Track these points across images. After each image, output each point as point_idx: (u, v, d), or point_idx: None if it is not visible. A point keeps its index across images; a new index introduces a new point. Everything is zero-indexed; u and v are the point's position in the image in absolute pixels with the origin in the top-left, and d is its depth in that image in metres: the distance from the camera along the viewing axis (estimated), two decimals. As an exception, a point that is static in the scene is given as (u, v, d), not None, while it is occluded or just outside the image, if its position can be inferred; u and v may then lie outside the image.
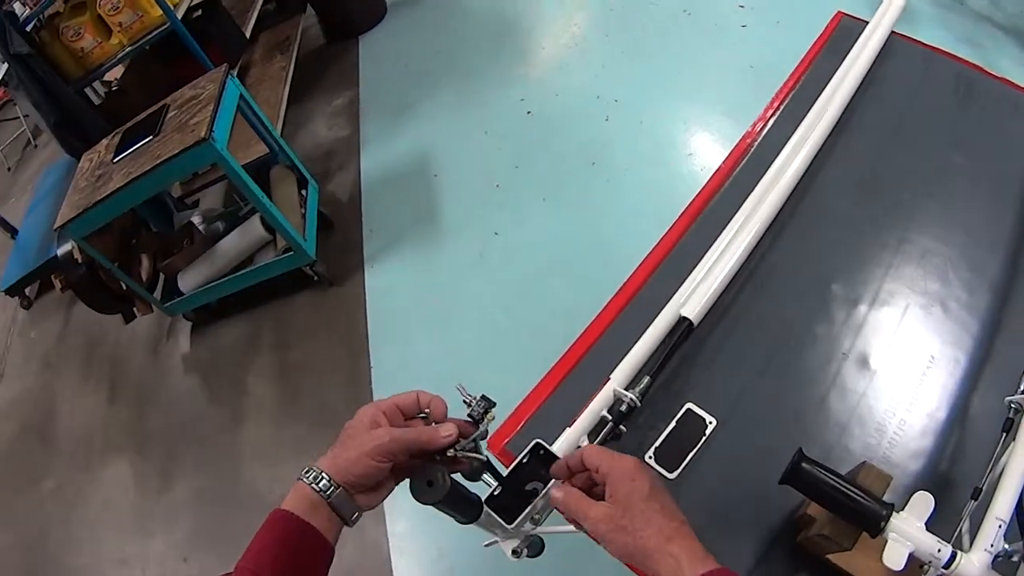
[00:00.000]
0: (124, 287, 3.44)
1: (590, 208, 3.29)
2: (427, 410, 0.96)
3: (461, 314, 3.13)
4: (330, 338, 3.34)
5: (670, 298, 1.36)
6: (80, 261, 3.25)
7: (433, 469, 0.91)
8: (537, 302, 2.99)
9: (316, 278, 3.48)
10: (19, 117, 7.06)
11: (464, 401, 0.97)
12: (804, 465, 0.96)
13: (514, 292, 3.08)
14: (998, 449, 1.01)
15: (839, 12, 1.98)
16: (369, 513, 0.93)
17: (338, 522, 0.89)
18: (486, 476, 0.96)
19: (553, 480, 0.93)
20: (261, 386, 3.34)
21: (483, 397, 0.97)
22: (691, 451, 1.20)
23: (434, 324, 3.15)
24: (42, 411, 4.01)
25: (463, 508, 0.94)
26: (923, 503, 0.92)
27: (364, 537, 2.59)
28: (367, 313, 3.32)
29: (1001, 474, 0.95)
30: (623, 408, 1.19)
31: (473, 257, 3.32)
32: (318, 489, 0.87)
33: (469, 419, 0.96)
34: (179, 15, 3.63)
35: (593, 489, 0.90)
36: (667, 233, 1.57)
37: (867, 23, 1.86)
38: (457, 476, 0.94)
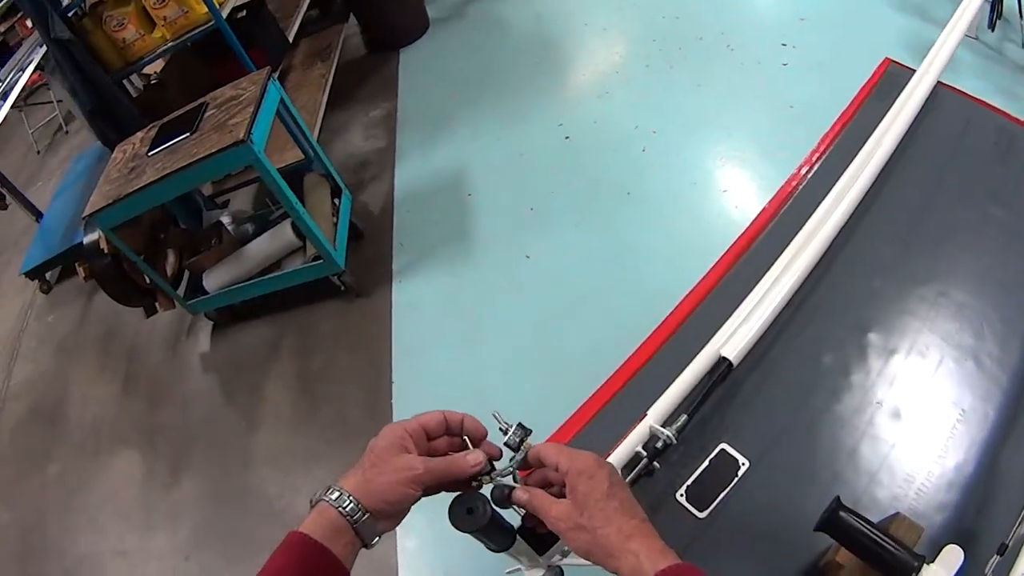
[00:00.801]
0: (148, 281, 3.43)
1: (622, 238, 3.27)
2: (466, 436, 0.96)
3: (487, 335, 3.11)
4: (353, 350, 3.32)
5: (710, 337, 1.38)
6: (106, 251, 3.24)
7: (473, 497, 0.90)
8: (565, 329, 2.96)
9: (343, 288, 3.46)
10: (52, 102, 7.11)
11: (500, 429, 0.96)
12: (841, 513, 0.98)
13: (542, 317, 3.05)
14: None
15: (887, 59, 2.01)
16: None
17: (357, 547, 0.86)
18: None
19: (503, 470, 0.94)
20: (279, 392, 3.32)
21: (520, 425, 0.96)
22: (722, 491, 1.21)
23: (459, 343, 3.13)
24: (53, 396, 4.01)
25: (497, 537, 0.94)
26: (953, 556, 0.93)
27: (374, 552, 2.55)
28: (392, 327, 3.30)
29: None
30: (658, 445, 1.20)
31: (503, 279, 3.30)
32: (345, 513, 0.83)
33: (506, 446, 0.95)
34: (224, 14, 3.62)
35: (549, 488, 0.92)
36: (709, 272, 1.59)
37: (914, 71, 1.88)
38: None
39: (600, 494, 0.84)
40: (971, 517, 1.12)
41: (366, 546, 0.87)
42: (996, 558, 0.95)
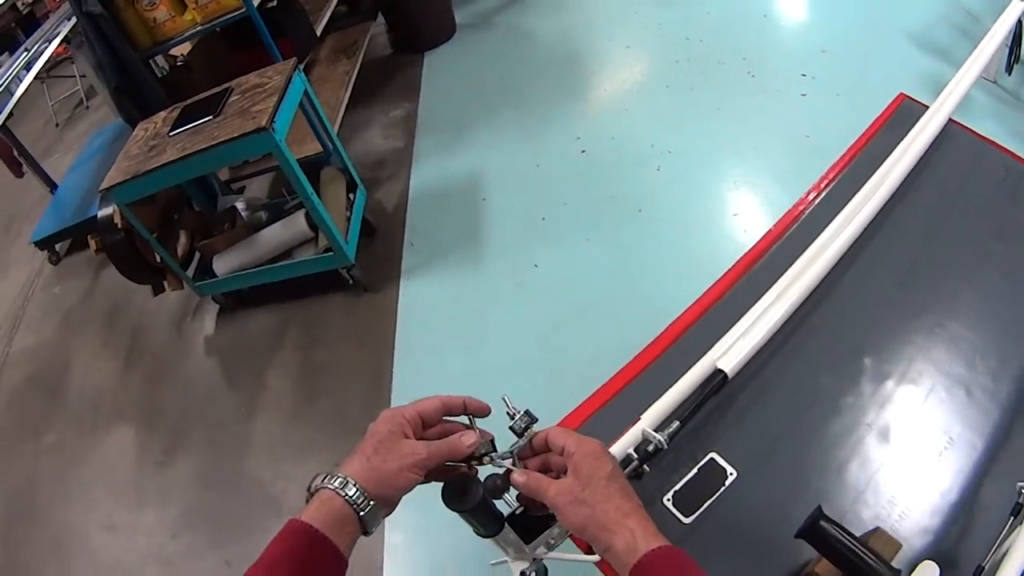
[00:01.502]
0: (158, 259, 3.45)
1: (631, 253, 3.29)
2: (470, 415, 0.97)
3: (491, 339, 3.13)
4: (356, 344, 3.34)
5: (708, 349, 1.40)
6: (119, 226, 3.26)
7: (468, 479, 0.93)
8: (568, 338, 2.98)
9: (351, 282, 3.48)
10: (75, 76, 7.15)
11: (507, 413, 0.98)
12: (822, 522, 1.00)
13: (547, 325, 3.07)
14: (1005, 530, 1.04)
15: (901, 94, 2.02)
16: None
17: (357, 536, 0.85)
18: (508, 495, 0.97)
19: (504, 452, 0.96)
20: (280, 381, 3.34)
21: (527, 412, 0.97)
22: (708, 499, 1.23)
23: (462, 345, 3.15)
24: (55, 366, 4.04)
25: (486, 521, 0.96)
26: (928, 572, 0.96)
27: (358, 547, 2.57)
28: (397, 324, 3.32)
29: (1005, 555, 0.97)
30: (650, 448, 1.21)
31: (511, 285, 3.32)
32: (351, 501, 0.83)
33: (511, 430, 0.97)
34: (255, 2, 3.65)
35: (548, 473, 0.93)
36: (712, 287, 1.61)
37: (927, 107, 1.90)
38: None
39: (604, 474, 0.86)
40: (951, 540, 1.14)
41: (366, 533, 0.86)
42: (974, 581, 0.97)
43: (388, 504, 0.88)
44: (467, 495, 0.91)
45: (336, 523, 0.82)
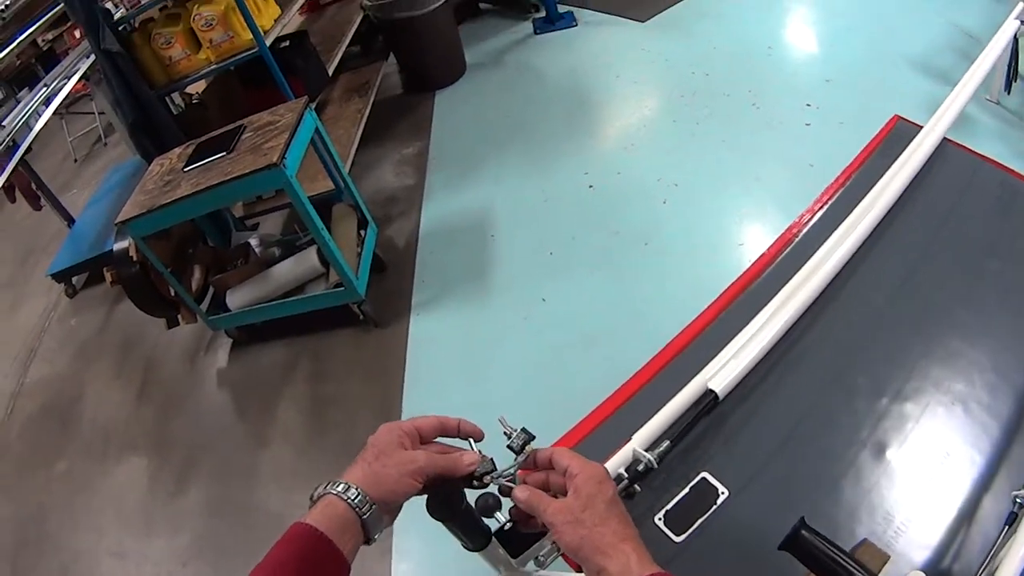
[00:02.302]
0: (173, 293, 3.50)
1: (638, 287, 3.31)
2: (470, 437, 0.99)
3: (498, 373, 3.15)
4: (366, 378, 3.36)
5: (700, 370, 1.41)
6: (135, 259, 3.32)
7: (453, 490, 0.94)
8: (575, 371, 3.00)
9: (362, 317, 3.52)
10: (94, 113, 7.26)
11: (504, 432, 0.99)
12: (804, 533, 0.99)
13: (553, 359, 3.09)
14: (999, 540, 1.04)
15: (895, 116, 2.05)
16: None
17: (360, 542, 0.87)
18: (498, 514, 0.98)
19: (504, 471, 0.96)
20: (290, 414, 3.37)
21: (523, 430, 0.98)
22: (700, 518, 1.24)
23: (470, 379, 3.17)
24: (68, 396, 4.09)
25: (472, 534, 0.98)
26: None
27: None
28: (407, 359, 3.34)
29: (1000, 565, 0.98)
30: (640, 468, 1.23)
31: (518, 319, 3.34)
32: (354, 505, 0.85)
33: (509, 449, 0.98)
34: (268, 42, 3.71)
35: (547, 491, 0.93)
36: (706, 309, 1.64)
37: (921, 128, 1.91)
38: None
39: (604, 499, 0.87)
40: (946, 552, 1.14)
41: (368, 541, 0.88)
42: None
43: (389, 511, 0.90)
44: (451, 506, 0.93)
45: (339, 527, 0.83)
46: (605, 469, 0.92)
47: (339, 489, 0.86)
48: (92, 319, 4.65)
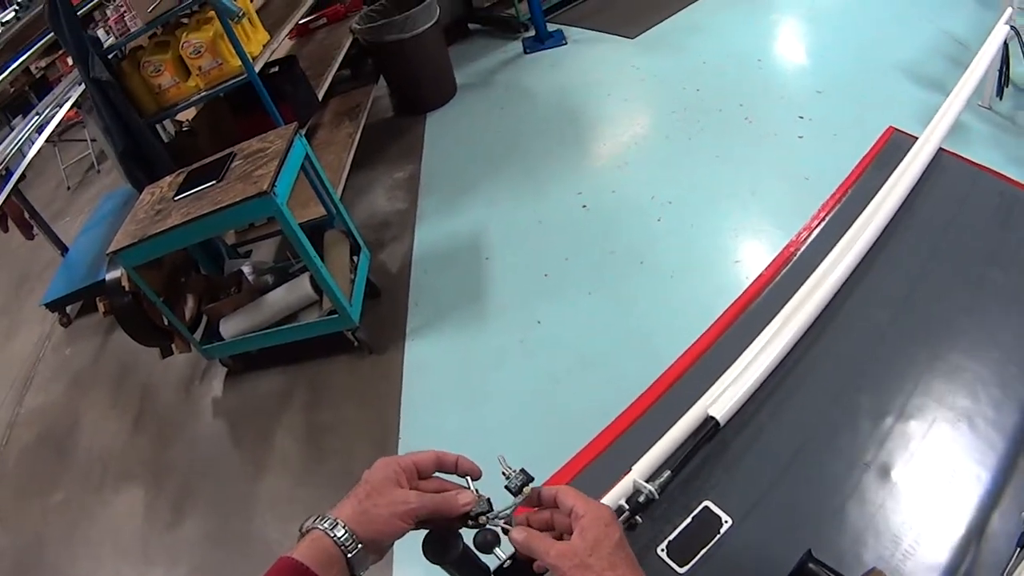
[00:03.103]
0: (166, 322, 3.48)
1: (634, 307, 3.30)
2: (464, 475, 0.97)
3: (494, 397, 3.13)
4: (362, 405, 3.34)
5: (700, 397, 1.38)
6: (127, 289, 3.30)
7: (449, 532, 0.93)
8: (572, 394, 2.98)
9: (357, 344, 3.50)
10: (86, 140, 7.28)
11: (503, 473, 0.97)
12: (811, 565, 0.99)
13: (550, 382, 3.07)
14: (1011, 562, 1.02)
15: (890, 127, 2.02)
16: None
17: None
18: (498, 550, 0.95)
19: (501, 511, 0.95)
20: (287, 442, 3.34)
21: (522, 471, 0.97)
22: (703, 548, 1.20)
23: (467, 404, 3.15)
24: (64, 426, 4.08)
25: (470, 574, 0.96)
26: None
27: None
28: (402, 384, 3.33)
29: None
30: (641, 499, 1.20)
31: (514, 343, 3.32)
32: (340, 543, 0.84)
33: (506, 489, 0.96)
34: (257, 68, 3.72)
35: (550, 532, 0.92)
36: (704, 334, 1.60)
37: (917, 139, 1.90)
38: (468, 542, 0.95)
39: (612, 543, 0.85)
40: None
41: None
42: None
43: (376, 550, 0.88)
44: (447, 548, 0.92)
45: (324, 562, 0.82)
46: (611, 511, 0.90)
47: (326, 525, 0.85)
48: (87, 348, 4.64)
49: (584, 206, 4.00)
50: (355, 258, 3.64)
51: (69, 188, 7.18)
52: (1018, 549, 1.03)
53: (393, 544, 0.91)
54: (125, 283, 3.29)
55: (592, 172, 4.34)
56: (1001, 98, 3.47)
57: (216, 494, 3.27)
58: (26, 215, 5.14)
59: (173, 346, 3.62)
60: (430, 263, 4.04)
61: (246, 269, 3.66)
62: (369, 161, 5.13)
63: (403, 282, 3.94)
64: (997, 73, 3.27)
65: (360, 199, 4.82)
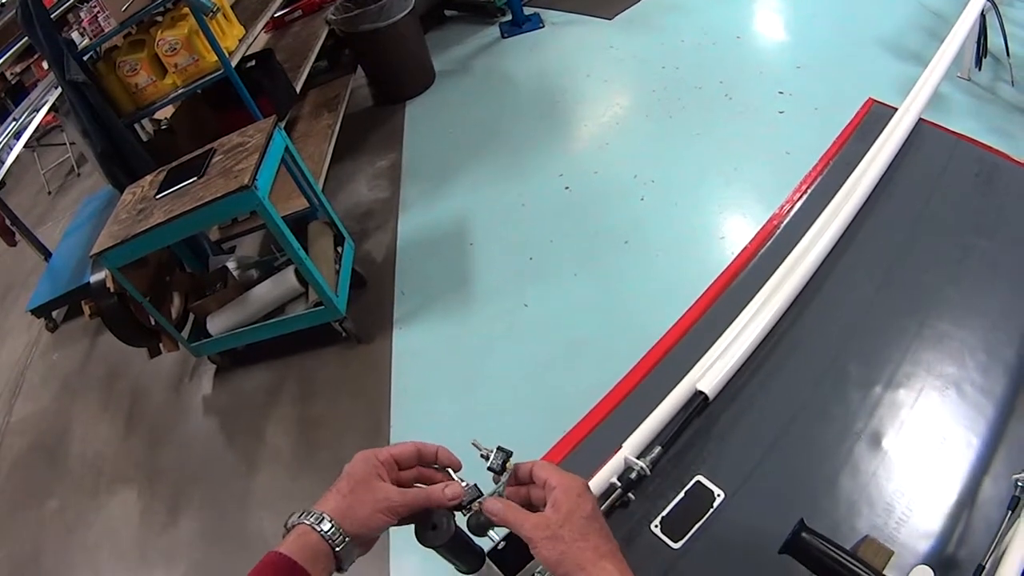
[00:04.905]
0: (153, 322, 3.47)
1: (621, 286, 3.31)
2: (448, 467, 0.98)
3: (484, 382, 3.14)
4: (353, 395, 3.34)
5: (688, 372, 1.39)
6: (112, 291, 3.28)
7: (439, 514, 0.92)
8: (561, 376, 2.98)
9: (344, 334, 3.50)
10: (65, 144, 7.22)
11: (482, 455, 0.97)
12: (804, 535, 0.98)
13: (539, 364, 3.08)
14: (1003, 526, 1.02)
15: (870, 99, 2.04)
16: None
17: (332, 569, 0.86)
18: (492, 532, 0.96)
19: (491, 493, 0.95)
20: (279, 436, 3.34)
21: (499, 448, 0.97)
22: (697, 522, 1.21)
23: (457, 390, 3.15)
24: (55, 433, 4.05)
25: (464, 557, 0.95)
26: None
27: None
28: (392, 374, 3.32)
29: (1005, 551, 0.96)
30: (632, 476, 1.22)
31: (502, 327, 3.33)
32: (327, 537, 0.84)
33: (490, 471, 0.96)
34: (233, 63, 3.69)
35: (531, 507, 0.91)
36: (690, 309, 1.61)
37: (896, 110, 1.91)
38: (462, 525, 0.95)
39: (584, 513, 0.85)
40: (950, 542, 1.12)
41: (340, 571, 0.87)
42: (975, 580, 0.95)
43: (362, 543, 0.89)
44: (437, 530, 0.91)
45: (312, 556, 0.83)
46: (585, 482, 0.90)
47: (311, 520, 0.86)
48: (74, 352, 4.61)
49: (567, 188, 4.01)
50: (339, 249, 3.63)
51: (50, 193, 7.13)
52: (1009, 512, 1.03)
53: (377, 537, 0.91)
54: (110, 284, 3.26)
55: (574, 154, 4.35)
56: (980, 69, 3.49)
57: (211, 492, 3.27)
58: (7, 222, 5.10)
59: (161, 345, 3.61)
60: (415, 251, 4.04)
61: (231, 265, 3.64)
62: (350, 152, 5.11)
63: (389, 271, 3.94)
64: (975, 45, 3.29)
65: (342, 190, 4.81)
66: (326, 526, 0.85)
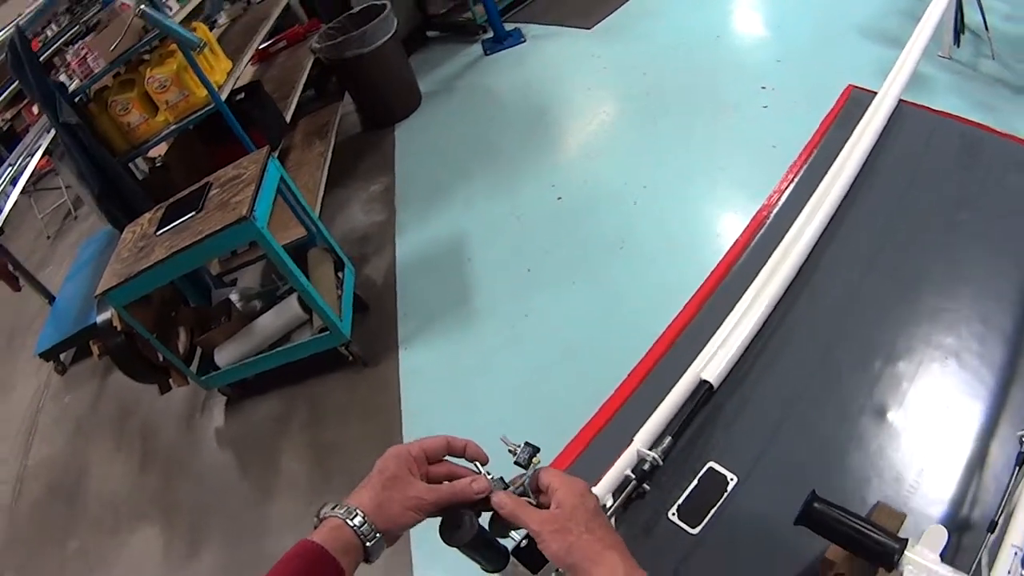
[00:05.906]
0: (161, 358, 3.50)
1: (618, 290, 3.34)
2: (477, 462, 0.99)
3: (491, 394, 3.16)
4: (363, 418, 3.36)
5: (691, 363, 1.41)
6: (119, 329, 3.31)
7: (461, 512, 0.94)
8: (565, 382, 3.00)
9: (351, 358, 3.52)
10: (60, 188, 7.24)
11: (509, 451, 0.99)
12: (816, 505, 0.99)
13: (543, 372, 3.11)
14: (1012, 481, 1.04)
15: (850, 85, 2.05)
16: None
17: (360, 560, 0.88)
18: (514, 533, 0.97)
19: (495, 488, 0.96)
20: (293, 464, 3.36)
21: (527, 444, 0.98)
22: (713, 507, 1.23)
23: (466, 405, 3.17)
24: (71, 474, 4.08)
25: (489, 555, 0.97)
26: (937, 535, 0.94)
27: None
28: (400, 394, 3.35)
29: (1016, 505, 0.98)
30: (646, 467, 1.23)
31: (504, 338, 3.36)
32: (359, 532, 0.86)
33: (516, 465, 0.98)
34: (223, 96, 3.75)
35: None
36: (688, 302, 1.63)
37: (876, 94, 1.92)
38: (484, 523, 0.97)
39: (588, 511, 0.89)
40: (961, 503, 1.14)
41: (367, 561, 0.89)
42: (989, 536, 0.96)
43: (390, 538, 0.91)
44: (461, 529, 0.93)
45: (341, 549, 0.85)
46: (587, 484, 0.94)
47: (344, 513, 0.88)
48: (85, 393, 4.64)
49: (559, 198, 4.04)
50: (340, 274, 3.66)
51: (49, 237, 7.15)
52: (1017, 468, 1.04)
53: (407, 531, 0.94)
54: (117, 323, 3.29)
55: (564, 164, 4.38)
56: (959, 45, 3.51)
57: (229, 523, 3.28)
58: (10, 268, 5.14)
59: (171, 381, 3.64)
60: (414, 271, 4.07)
61: (234, 297, 3.67)
62: (343, 178, 5.15)
63: (390, 293, 3.97)
64: (953, 22, 3.31)
65: (338, 216, 4.85)
66: (358, 521, 0.87)
